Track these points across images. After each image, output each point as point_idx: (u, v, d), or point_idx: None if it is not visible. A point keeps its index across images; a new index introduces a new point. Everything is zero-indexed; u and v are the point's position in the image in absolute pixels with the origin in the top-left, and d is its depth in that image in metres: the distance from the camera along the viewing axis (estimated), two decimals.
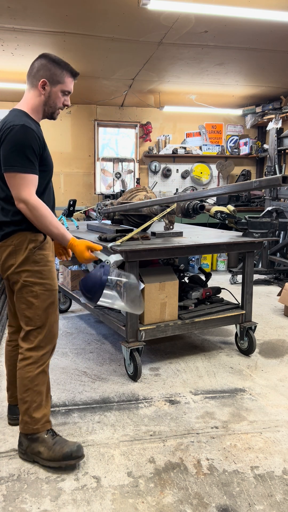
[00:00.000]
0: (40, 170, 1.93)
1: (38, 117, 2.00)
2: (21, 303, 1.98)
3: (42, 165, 1.95)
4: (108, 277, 1.96)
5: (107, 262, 1.99)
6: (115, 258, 2.02)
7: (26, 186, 1.84)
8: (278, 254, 5.72)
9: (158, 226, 3.68)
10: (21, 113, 1.93)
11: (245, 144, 7.05)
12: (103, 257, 2.01)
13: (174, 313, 2.99)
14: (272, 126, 5.95)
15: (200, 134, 7.07)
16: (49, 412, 2.05)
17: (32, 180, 1.87)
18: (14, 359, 2.16)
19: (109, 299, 2.00)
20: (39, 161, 1.91)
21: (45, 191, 2.01)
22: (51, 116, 2.05)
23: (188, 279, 3.62)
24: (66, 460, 1.92)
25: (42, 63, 1.96)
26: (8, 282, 2.08)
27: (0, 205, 1.94)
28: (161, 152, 6.84)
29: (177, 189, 6.89)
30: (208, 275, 3.61)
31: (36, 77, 1.96)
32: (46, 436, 1.98)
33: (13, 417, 2.28)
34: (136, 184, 6.70)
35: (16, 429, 2.25)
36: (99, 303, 2.00)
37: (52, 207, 2.10)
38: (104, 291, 1.96)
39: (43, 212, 1.86)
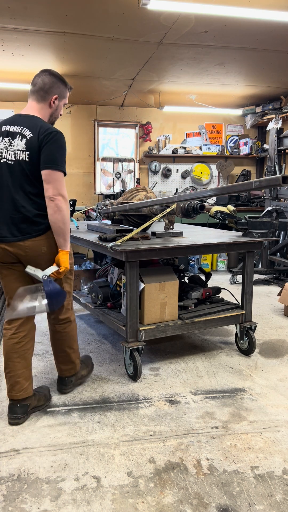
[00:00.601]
0: None
1: None
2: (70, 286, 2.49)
3: None
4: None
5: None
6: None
7: (64, 184, 2.18)
8: (278, 254, 5.72)
9: (158, 226, 3.68)
10: (44, 122, 2.26)
11: (245, 144, 7.05)
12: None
13: (174, 313, 2.99)
14: (272, 126, 5.94)
15: (200, 134, 7.07)
16: None
17: (64, 181, 2.20)
18: (23, 349, 2.35)
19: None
20: None
21: None
22: (52, 123, 2.38)
23: (188, 279, 3.62)
24: (91, 372, 2.85)
25: (53, 81, 2.30)
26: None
27: (33, 200, 2.20)
28: (161, 152, 6.84)
29: (177, 189, 6.89)
30: (208, 275, 3.61)
31: (48, 93, 2.29)
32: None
33: (13, 416, 2.31)
34: (136, 184, 6.70)
35: (16, 429, 2.26)
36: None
37: None
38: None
39: (68, 211, 2.21)
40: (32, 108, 2.31)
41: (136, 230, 2.84)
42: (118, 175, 6.75)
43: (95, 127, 6.68)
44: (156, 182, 6.17)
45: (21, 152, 2.17)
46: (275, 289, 5.21)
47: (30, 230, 2.20)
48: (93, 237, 3.14)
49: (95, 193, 6.81)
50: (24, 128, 2.21)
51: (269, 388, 2.74)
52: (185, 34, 3.79)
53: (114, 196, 5.90)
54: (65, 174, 2.19)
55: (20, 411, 2.30)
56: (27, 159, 2.17)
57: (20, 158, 2.17)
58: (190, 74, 5.09)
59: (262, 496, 1.79)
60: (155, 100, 6.36)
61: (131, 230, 2.94)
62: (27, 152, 2.17)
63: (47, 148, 2.13)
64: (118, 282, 3.29)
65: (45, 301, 2.22)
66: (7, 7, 3.23)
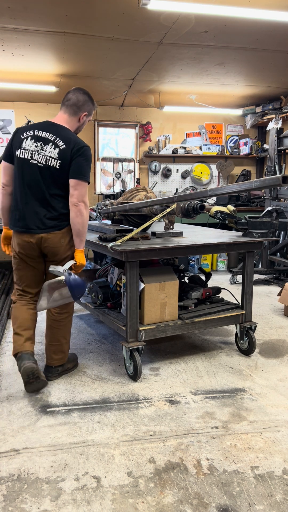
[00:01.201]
0: None
1: None
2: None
3: None
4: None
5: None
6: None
7: (86, 193, 2.55)
8: (278, 254, 5.72)
9: (158, 226, 3.68)
10: (75, 135, 2.62)
11: (245, 144, 7.05)
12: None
13: (174, 313, 2.99)
14: (272, 126, 5.94)
15: (200, 134, 7.07)
16: None
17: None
18: (31, 309, 2.73)
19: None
20: None
21: None
22: (76, 134, 2.70)
23: (188, 279, 3.62)
24: (76, 367, 2.99)
25: (86, 99, 2.64)
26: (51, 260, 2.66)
27: (58, 201, 2.55)
28: (161, 152, 6.84)
29: (177, 189, 6.89)
30: (208, 275, 3.61)
31: (81, 109, 2.63)
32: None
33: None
34: (136, 184, 6.69)
35: (16, 429, 2.26)
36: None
37: None
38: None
39: (88, 214, 2.56)
40: (63, 119, 2.63)
41: (136, 230, 2.84)
42: (118, 175, 6.75)
43: (95, 127, 6.68)
44: (156, 182, 6.17)
45: (53, 159, 2.51)
46: (275, 289, 5.21)
47: (54, 225, 2.56)
48: (93, 237, 3.14)
49: (95, 193, 6.81)
50: (58, 138, 2.53)
51: (269, 388, 2.74)
52: (185, 34, 3.79)
53: (114, 196, 5.89)
54: (89, 183, 2.56)
55: (53, 351, 2.79)
56: (58, 167, 2.51)
57: (51, 165, 2.51)
58: (190, 74, 5.09)
59: (262, 496, 1.79)
60: (155, 100, 6.36)
61: (131, 230, 2.94)
62: (59, 161, 2.50)
63: (77, 161, 2.50)
64: (118, 282, 3.29)
65: (68, 292, 2.56)
66: (7, 7, 3.23)
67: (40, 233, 2.54)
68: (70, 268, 2.58)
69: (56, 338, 2.78)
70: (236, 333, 3.32)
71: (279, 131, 5.96)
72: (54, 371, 2.82)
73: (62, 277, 2.54)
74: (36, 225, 2.54)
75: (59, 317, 2.76)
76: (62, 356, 2.83)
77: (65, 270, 2.54)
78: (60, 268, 2.55)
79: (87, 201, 2.53)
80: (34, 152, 2.51)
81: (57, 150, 2.50)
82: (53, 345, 2.78)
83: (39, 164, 2.51)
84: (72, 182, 2.49)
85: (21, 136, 2.57)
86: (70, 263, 2.59)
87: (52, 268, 2.58)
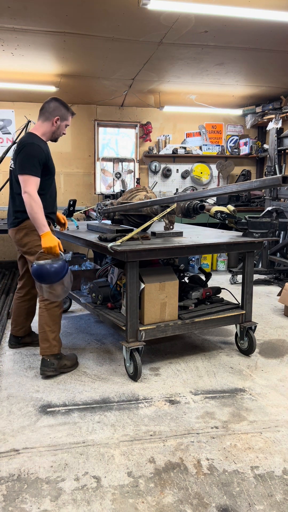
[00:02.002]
0: (45, 174, 2.83)
1: (46, 139, 2.93)
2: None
3: (47, 171, 2.84)
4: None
5: (66, 260, 2.88)
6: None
7: (32, 185, 2.71)
8: (278, 254, 5.72)
9: (158, 226, 3.68)
10: (32, 135, 2.86)
11: (245, 144, 7.05)
12: (63, 255, 2.79)
13: (174, 313, 2.99)
14: (272, 126, 5.94)
15: (200, 134, 7.07)
16: None
17: (35, 180, 2.73)
18: (21, 304, 3.26)
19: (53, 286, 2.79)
20: (44, 168, 2.80)
21: (50, 189, 2.95)
22: (55, 140, 3.01)
23: (188, 279, 3.62)
24: (75, 366, 3.03)
25: (57, 106, 2.89)
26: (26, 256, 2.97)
27: (19, 199, 2.83)
28: (161, 152, 6.84)
29: (177, 189, 6.89)
30: (208, 275, 3.61)
31: (52, 114, 2.88)
32: (64, 354, 3.01)
33: (11, 343, 3.35)
34: (136, 184, 6.69)
35: (16, 429, 2.26)
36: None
37: (54, 200, 3.05)
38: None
39: (38, 204, 2.69)
40: (37, 125, 2.93)
41: (136, 230, 2.84)
42: (118, 175, 6.75)
43: (95, 127, 6.68)
44: (156, 182, 6.16)
45: (13, 162, 2.89)
46: (275, 289, 5.21)
47: (11, 222, 2.95)
48: (93, 237, 3.14)
49: (95, 193, 6.81)
50: (16, 144, 2.88)
51: (269, 388, 2.74)
52: (185, 34, 3.79)
53: (114, 196, 5.90)
54: (34, 175, 2.71)
55: (40, 339, 2.91)
56: (13, 167, 2.88)
57: (12, 167, 2.90)
58: (190, 74, 5.09)
59: (262, 496, 1.79)
60: (155, 100, 6.36)
61: (131, 230, 2.94)
62: (13, 162, 2.88)
63: (19, 158, 2.76)
64: (118, 282, 3.29)
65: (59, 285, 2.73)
66: (7, 7, 3.23)
67: (10, 228, 2.98)
68: (40, 258, 2.71)
69: (41, 326, 2.89)
70: (236, 333, 3.32)
71: (279, 131, 5.96)
72: (48, 364, 2.86)
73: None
74: (9, 221, 2.99)
75: (42, 304, 2.89)
76: (48, 345, 2.87)
77: (34, 262, 2.70)
78: (36, 262, 2.72)
79: (31, 191, 2.68)
80: (11, 160, 2.95)
81: (13, 154, 2.89)
82: (40, 334, 2.90)
83: (10, 169, 2.95)
84: (19, 178, 2.75)
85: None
86: (38, 253, 2.75)
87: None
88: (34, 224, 2.72)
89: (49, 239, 2.70)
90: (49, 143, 2.98)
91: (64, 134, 3.03)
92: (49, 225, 2.86)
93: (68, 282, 2.78)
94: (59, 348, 2.92)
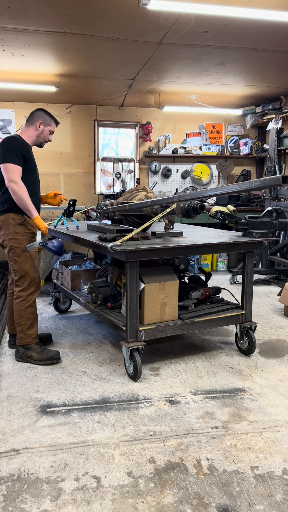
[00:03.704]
0: (26, 167, 2.97)
1: (30, 142, 3.12)
2: (10, 260, 3.07)
3: (27, 164, 2.99)
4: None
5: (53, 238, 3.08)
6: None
7: (15, 172, 2.88)
8: (278, 254, 5.72)
9: (158, 226, 3.68)
10: (16, 135, 3.06)
11: (245, 144, 7.05)
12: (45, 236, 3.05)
13: (174, 313, 2.99)
14: (272, 126, 5.94)
15: (200, 134, 7.07)
16: (36, 332, 3.15)
17: (17, 169, 2.90)
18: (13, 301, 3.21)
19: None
20: (24, 160, 2.95)
21: (33, 185, 3.08)
22: (40, 145, 3.22)
23: (188, 279, 3.62)
24: (50, 360, 3.10)
25: (41, 113, 3.14)
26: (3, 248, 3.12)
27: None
28: (161, 152, 6.84)
29: (177, 189, 6.89)
30: (208, 275, 3.61)
31: (35, 119, 3.12)
32: (36, 346, 3.13)
33: (11, 343, 3.38)
34: (136, 184, 6.69)
35: (16, 429, 2.26)
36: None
37: (39, 197, 3.22)
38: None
39: (24, 190, 2.88)
40: (23, 130, 3.14)
41: (136, 230, 2.84)
42: (118, 175, 6.75)
43: (95, 127, 6.68)
44: (156, 182, 6.17)
45: None
46: (275, 289, 5.21)
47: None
48: (93, 237, 3.14)
49: (95, 193, 6.80)
50: None
51: (269, 388, 2.74)
52: (185, 34, 3.79)
53: (114, 196, 5.90)
54: (17, 163, 2.88)
55: (16, 332, 3.14)
56: None
57: None
58: (190, 74, 5.09)
59: (262, 496, 1.79)
60: (155, 100, 6.36)
61: (131, 230, 2.94)
62: None
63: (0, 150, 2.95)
64: (118, 282, 3.29)
65: (55, 256, 3.00)
66: (7, 7, 3.23)
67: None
68: (43, 237, 2.96)
69: (15, 316, 3.10)
70: (236, 333, 3.32)
71: (279, 131, 5.96)
72: (16, 351, 3.16)
73: (40, 248, 2.93)
74: None
75: (15, 301, 3.08)
76: (21, 336, 3.09)
77: (41, 242, 2.90)
78: (35, 244, 2.91)
79: (16, 179, 2.86)
80: None
81: None
82: (15, 321, 3.12)
83: None
84: (0, 167, 2.90)
85: None
86: (39, 233, 2.96)
87: (28, 246, 2.93)
88: (25, 210, 2.92)
89: (40, 222, 2.98)
90: (45, 147, 3.25)
91: (50, 141, 3.22)
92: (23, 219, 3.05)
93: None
94: (27, 340, 3.08)
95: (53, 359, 3.10)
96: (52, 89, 5.46)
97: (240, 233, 3.40)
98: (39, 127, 3.11)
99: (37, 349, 3.11)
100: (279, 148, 5.96)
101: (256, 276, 5.52)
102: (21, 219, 3.00)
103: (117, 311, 3.17)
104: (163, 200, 2.84)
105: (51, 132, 3.20)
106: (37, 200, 3.14)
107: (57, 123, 3.23)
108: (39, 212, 3.11)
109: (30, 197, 2.96)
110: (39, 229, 2.99)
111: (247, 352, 3.25)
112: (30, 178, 3.03)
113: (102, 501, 1.76)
